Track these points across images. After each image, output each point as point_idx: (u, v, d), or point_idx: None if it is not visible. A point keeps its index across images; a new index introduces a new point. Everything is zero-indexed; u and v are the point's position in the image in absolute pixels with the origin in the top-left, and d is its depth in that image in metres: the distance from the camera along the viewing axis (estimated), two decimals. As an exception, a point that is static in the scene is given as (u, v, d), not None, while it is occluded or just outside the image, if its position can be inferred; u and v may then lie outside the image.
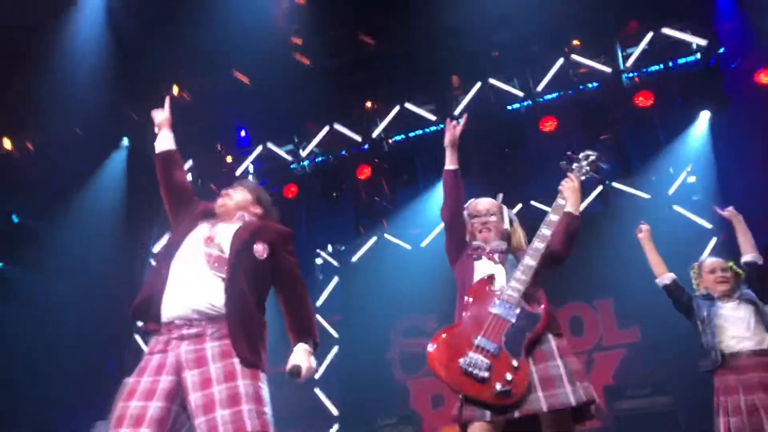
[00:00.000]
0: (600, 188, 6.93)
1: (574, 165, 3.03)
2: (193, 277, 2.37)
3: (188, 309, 2.32)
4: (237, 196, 2.68)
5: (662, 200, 6.65)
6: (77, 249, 7.62)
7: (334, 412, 7.38)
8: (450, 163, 3.09)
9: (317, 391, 7.54)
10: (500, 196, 3.12)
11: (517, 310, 2.67)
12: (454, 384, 2.61)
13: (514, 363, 2.56)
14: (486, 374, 2.55)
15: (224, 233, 2.50)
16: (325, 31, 7.32)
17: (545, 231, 2.81)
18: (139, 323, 2.67)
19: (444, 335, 2.71)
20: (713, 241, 6.16)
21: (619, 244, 5.96)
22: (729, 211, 3.91)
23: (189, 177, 8.10)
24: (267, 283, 2.50)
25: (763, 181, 5.86)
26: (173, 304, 2.34)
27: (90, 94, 7.39)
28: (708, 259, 3.89)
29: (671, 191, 6.72)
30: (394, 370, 7.38)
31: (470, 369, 2.58)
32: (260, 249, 2.47)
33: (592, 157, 3.05)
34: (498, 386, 2.52)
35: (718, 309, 3.65)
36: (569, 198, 2.91)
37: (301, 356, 2.41)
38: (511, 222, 3.03)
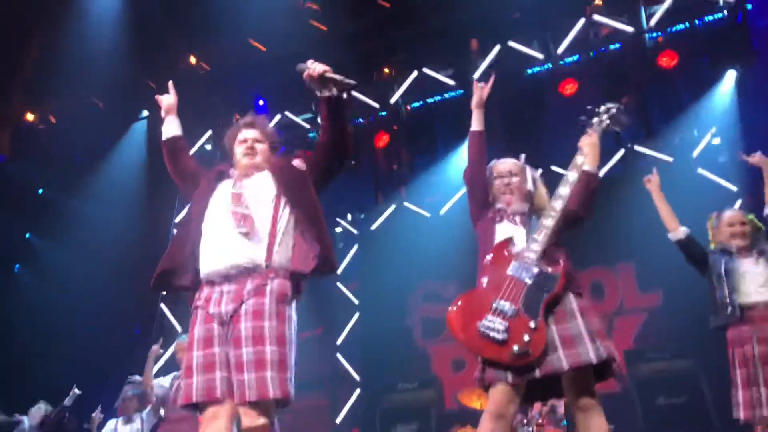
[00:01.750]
0: (622, 151, 6.82)
1: (594, 120, 2.95)
2: (225, 235, 2.42)
3: (223, 267, 2.39)
4: (261, 150, 2.67)
5: (686, 163, 6.53)
6: (101, 220, 7.76)
7: (356, 377, 7.50)
8: (476, 125, 3.08)
9: (339, 356, 7.65)
10: (523, 156, 3.08)
11: (535, 271, 2.65)
12: (472, 346, 2.63)
13: (532, 324, 2.56)
14: (503, 336, 2.56)
15: (250, 190, 2.53)
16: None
17: (563, 190, 2.76)
18: (170, 292, 2.74)
19: (463, 299, 2.72)
20: (738, 203, 6.07)
21: (641, 208, 5.86)
22: (757, 156, 3.79)
23: (209, 147, 8.26)
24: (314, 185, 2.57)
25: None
26: (210, 262, 2.42)
27: (110, 66, 7.43)
28: (728, 211, 3.82)
29: (695, 153, 6.59)
30: (414, 335, 7.46)
31: (488, 331, 2.59)
32: (298, 162, 2.59)
33: (612, 110, 2.95)
34: (515, 348, 2.53)
35: (736, 264, 3.60)
36: (588, 155, 2.84)
37: None
38: (534, 182, 2.97)
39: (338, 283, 7.95)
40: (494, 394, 2.62)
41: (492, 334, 2.58)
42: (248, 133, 2.69)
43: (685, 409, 5.16)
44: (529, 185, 2.95)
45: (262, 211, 2.46)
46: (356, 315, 7.80)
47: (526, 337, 2.54)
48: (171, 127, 2.86)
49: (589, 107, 3.00)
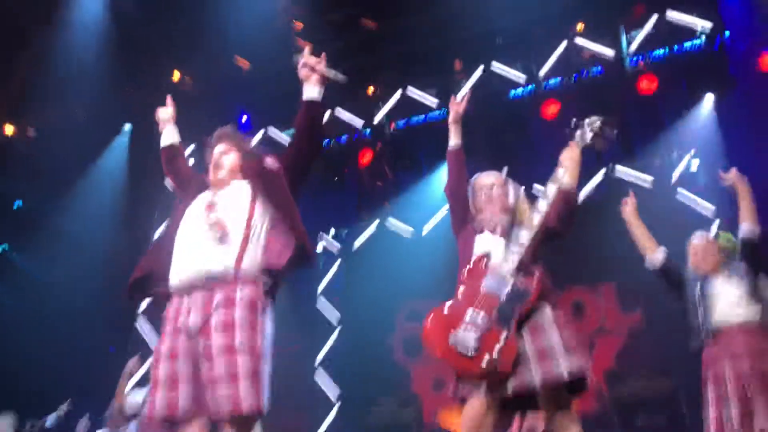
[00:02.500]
0: (602, 173, 6.91)
1: (577, 132, 2.95)
2: (196, 243, 2.39)
3: (194, 273, 2.35)
4: (228, 162, 2.64)
5: (665, 185, 6.63)
6: (80, 234, 7.65)
7: (335, 394, 7.43)
8: (453, 141, 3.13)
9: (318, 373, 7.58)
10: (505, 169, 3.11)
11: (509, 285, 2.67)
12: (446, 359, 2.64)
13: (502, 337, 2.57)
14: (474, 348, 2.57)
15: (224, 198, 2.51)
16: (327, 14, 7.28)
17: (542, 205, 2.77)
18: (144, 299, 2.71)
19: (437, 312, 2.74)
20: (716, 223, 6.15)
21: (622, 228, 5.95)
22: (733, 173, 3.81)
23: (191, 161, 8.22)
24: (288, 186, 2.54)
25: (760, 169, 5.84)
26: (179, 271, 2.39)
27: (92, 80, 7.37)
28: (693, 237, 3.86)
29: (675, 176, 6.70)
30: (395, 354, 7.42)
31: (459, 344, 2.60)
32: (270, 161, 2.56)
33: (597, 123, 2.94)
34: (486, 360, 2.54)
35: (709, 286, 3.65)
36: (567, 169, 2.84)
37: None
38: (516, 196, 3.00)
39: (319, 301, 7.90)
40: (470, 408, 2.62)
41: (463, 346, 2.60)
42: (216, 149, 2.69)
43: (664, 430, 5.18)
44: (511, 199, 2.97)
45: (236, 217, 2.43)
46: (336, 332, 7.75)
47: (496, 351, 2.55)
48: (168, 136, 2.98)
49: (573, 120, 3.00)
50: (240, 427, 2.21)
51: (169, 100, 3.09)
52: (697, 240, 3.83)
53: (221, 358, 2.21)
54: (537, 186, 5.65)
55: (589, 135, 2.94)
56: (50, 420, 5.49)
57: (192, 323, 2.29)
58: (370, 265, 7.68)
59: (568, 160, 2.87)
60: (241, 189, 2.53)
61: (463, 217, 3.01)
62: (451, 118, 3.19)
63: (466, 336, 2.59)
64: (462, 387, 2.67)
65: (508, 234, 2.83)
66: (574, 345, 2.62)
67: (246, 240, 2.38)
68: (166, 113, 3.04)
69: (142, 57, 7.59)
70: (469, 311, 2.65)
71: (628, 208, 3.97)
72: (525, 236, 2.72)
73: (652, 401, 5.31)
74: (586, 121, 2.98)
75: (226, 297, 2.29)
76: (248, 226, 2.40)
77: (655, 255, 3.84)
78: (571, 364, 2.55)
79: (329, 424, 7.27)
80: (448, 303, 2.77)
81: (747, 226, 3.69)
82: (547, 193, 2.79)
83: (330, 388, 7.50)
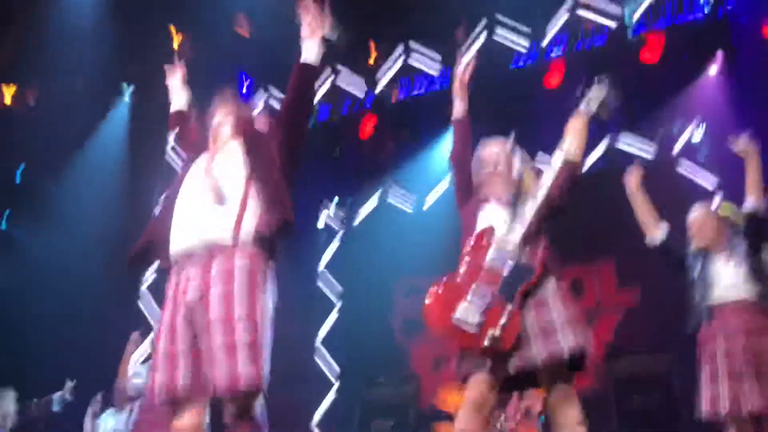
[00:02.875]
0: (603, 146, 6.85)
1: (583, 101, 2.88)
2: (193, 209, 2.34)
3: (192, 241, 2.30)
4: (225, 132, 2.55)
5: (667, 157, 6.57)
6: (81, 206, 7.62)
7: (335, 372, 7.46)
8: (458, 112, 3.08)
9: (318, 352, 7.60)
10: (512, 135, 3.03)
11: (512, 261, 2.64)
12: (447, 335, 2.64)
13: (505, 314, 2.55)
14: (478, 324, 2.55)
15: (221, 162, 2.44)
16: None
17: (546, 177, 2.73)
18: (146, 271, 2.68)
19: (439, 288, 2.72)
20: (719, 197, 6.11)
21: (621, 202, 5.92)
22: (743, 141, 3.67)
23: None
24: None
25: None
26: (177, 240, 2.34)
27: (91, 48, 7.29)
28: (692, 212, 3.76)
29: (677, 148, 6.64)
30: (395, 332, 7.43)
31: (462, 320, 2.58)
32: (261, 125, 2.55)
33: (602, 93, 2.86)
34: (489, 335, 2.52)
35: (709, 263, 3.59)
36: (573, 140, 2.78)
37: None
38: (522, 166, 2.95)
39: (319, 277, 7.90)
40: (473, 385, 2.62)
41: (466, 322, 2.57)
42: (215, 120, 2.62)
43: (659, 408, 5.20)
44: (516, 170, 2.92)
45: (233, 181, 2.35)
46: (336, 310, 7.75)
47: (500, 326, 2.53)
48: (176, 101, 2.99)
49: (580, 87, 2.94)
50: (240, 403, 2.16)
51: (176, 61, 3.04)
52: (697, 212, 3.75)
53: (219, 330, 2.16)
54: (540, 156, 5.65)
55: (593, 105, 2.86)
56: (56, 402, 5.39)
57: (191, 296, 2.25)
58: (371, 241, 7.64)
59: (574, 129, 2.81)
60: (236, 152, 2.45)
61: (468, 187, 2.97)
62: (456, 86, 3.14)
63: (469, 311, 2.58)
64: (463, 364, 2.65)
65: (512, 206, 2.79)
66: (577, 320, 2.61)
67: (244, 204, 2.30)
68: (173, 76, 3.00)
69: (141, 22, 7.48)
70: (473, 286, 2.63)
71: (633, 179, 3.86)
72: (529, 209, 2.69)
73: (647, 379, 5.30)
74: (592, 88, 2.90)
75: (226, 268, 2.23)
76: (246, 191, 2.33)
77: (656, 232, 3.79)
78: (572, 340, 2.54)
79: (329, 403, 7.32)
80: (450, 277, 2.75)
81: (753, 201, 3.57)
82: (553, 164, 2.74)
83: (329, 366, 7.53)
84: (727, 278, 3.52)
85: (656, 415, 5.09)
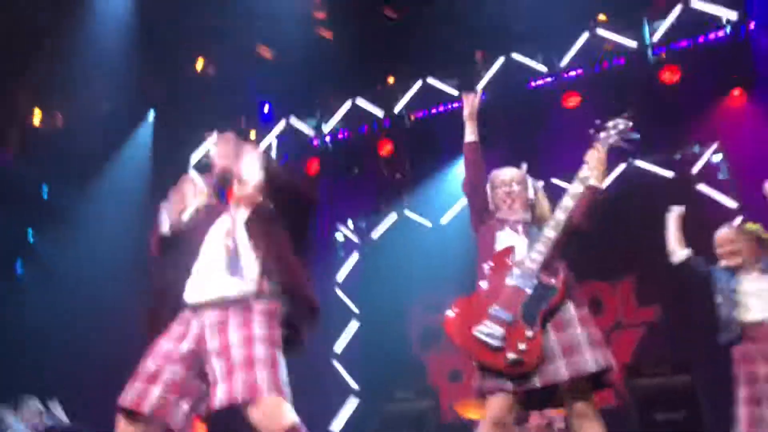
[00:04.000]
0: (623, 166, 6.85)
1: (601, 134, 2.93)
2: (215, 269, 2.41)
3: (210, 298, 2.38)
4: (251, 179, 2.55)
5: (686, 179, 6.56)
6: (105, 222, 7.77)
7: (353, 386, 7.48)
8: (470, 136, 3.13)
9: (335, 364, 7.64)
10: (524, 165, 3.09)
11: (535, 281, 2.68)
12: (468, 351, 2.66)
13: (528, 333, 2.58)
14: (500, 343, 2.59)
15: (241, 225, 2.51)
16: (349, 4, 7.30)
17: (567, 202, 2.77)
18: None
19: (461, 303, 2.76)
20: (738, 220, 6.09)
21: (641, 222, 5.92)
22: None
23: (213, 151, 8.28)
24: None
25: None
26: (195, 291, 2.41)
27: (117, 69, 7.48)
28: (719, 232, 3.80)
29: (695, 170, 6.63)
30: (412, 345, 7.45)
31: (484, 337, 2.62)
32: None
33: (621, 126, 2.93)
34: (510, 355, 2.56)
35: (739, 281, 3.59)
36: (594, 170, 2.83)
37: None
38: (535, 192, 3.00)
39: (337, 291, 7.96)
40: (493, 403, 2.64)
41: (488, 339, 2.61)
42: (239, 164, 2.58)
43: (683, 425, 5.15)
44: (531, 195, 2.97)
45: (252, 244, 2.43)
46: (354, 323, 7.80)
47: (522, 346, 2.57)
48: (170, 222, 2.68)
49: (597, 121, 2.99)
50: (263, 414, 2.19)
51: (194, 178, 2.79)
52: (723, 231, 3.78)
53: (239, 348, 2.24)
54: (554, 181, 5.67)
55: (613, 137, 2.92)
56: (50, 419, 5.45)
57: (208, 325, 2.32)
58: (389, 255, 7.70)
59: (594, 161, 2.86)
60: (260, 214, 2.52)
61: (483, 212, 3.01)
62: (466, 113, 3.19)
63: (492, 330, 2.61)
64: (486, 381, 2.67)
65: (528, 230, 2.84)
66: (598, 339, 2.64)
67: (262, 269, 2.39)
68: (187, 194, 2.70)
69: (165, 47, 7.67)
70: (494, 305, 2.66)
71: (675, 215, 3.90)
72: (550, 232, 2.73)
73: (670, 396, 5.26)
74: (610, 123, 2.95)
75: (245, 308, 2.34)
76: (266, 254, 2.41)
77: (677, 256, 3.81)
78: (597, 358, 2.57)
79: (347, 416, 7.33)
80: (472, 295, 2.79)
81: None
82: (573, 190, 2.79)
83: (347, 380, 7.56)
84: (760, 297, 3.51)
85: (681, 430, 5.05)
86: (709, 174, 6.58)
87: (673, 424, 5.14)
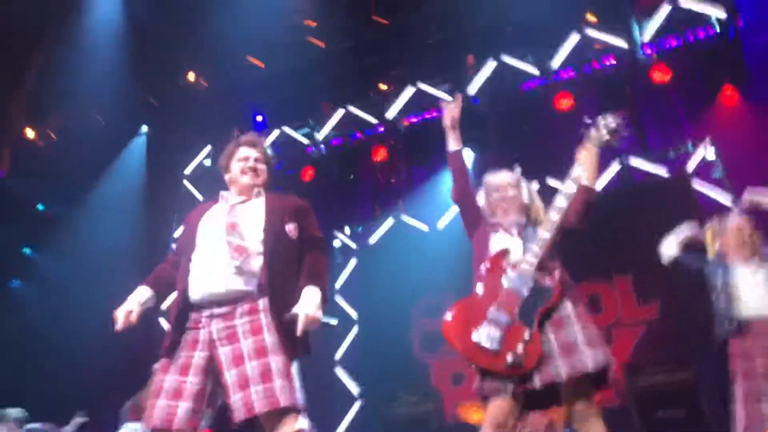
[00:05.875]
0: (618, 165, 6.88)
1: (592, 133, 2.92)
2: (217, 266, 2.39)
3: (215, 292, 2.37)
4: (261, 168, 2.64)
5: (681, 176, 6.58)
6: (100, 235, 7.76)
7: (355, 391, 7.48)
8: (452, 145, 3.08)
9: (338, 370, 7.64)
10: (518, 168, 3.08)
11: (531, 283, 2.69)
12: (467, 355, 2.66)
13: (526, 335, 2.59)
14: (498, 345, 2.60)
15: (245, 217, 2.51)
16: (339, 12, 7.32)
17: (561, 202, 2.77)
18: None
19: (458, 307, 2.76)
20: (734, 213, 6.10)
21: (638, 220, 5.94)
22: (750, 196, 3.64)
23: (208, 163, 8.29)
24: (299, 254, 2.53)
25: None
26: (200, 289, 2.39)
27: (110, 82, 7.48)
28: (734, 217, 3.73)
29: (690, 167, 6.65)
30: (414, 349, 7.45)
31: (483, 340, 2.62)
32: (291, 229, 2.52)
33: (611, 124, 2.90)
34: (509, 358, 2.57)
35: (735, 274, 3.55)
36: (586, 169, 2.84)
37: (304, 303, 2.37)
38: (530, 194, 3.00)
39: (337, 296, 7.95)
40: (494, 406, 2.64)
41: (486, 343, 2.62)
42: (250, 152, 2.66)
43: (684, 422, 5.15)
44: (525, 198, 2.98)
45: (255, 239, 2.44)
46: (355, 329, 7.79)
47: (520, 348, 2.58)
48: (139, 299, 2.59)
49: (588, 120, 2.97)
50: (279, 422, 2.23)
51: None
52: (741, 222, 3.71)
53: (255, 359, 2.25)
54: (549, 181, 5.69)
55: (604, 135, 2.90)
56: (70, 428, 5.44)
57: (216, 335, 2.33)
58: (386, 260, 7.70)
59: (585, 160, 2.86)
60: (261, 210, 2.52)
61: (475, 218, 3.01)
62: (447, 123, 3.08)
63: (490, 333, 2.62)
64: (486, 384, 2.68)
65: (523, 233, 2.85)
66: (596, 338, 2.64)
67: (266, 267, 2.40)
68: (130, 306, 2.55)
69: (157, 59, 7.68)
70: (492, 308, 2.67)
71: (688, 233, 3.78)
72: (544, 234, 2.73)
73: (671, 394, 5.25)
74: (600, 120, 2.94)
75: (251, 307, 2.35)
76: (268, 246, 2.42)
77: (666, 256, 3.77)
78: (596, 356, 2.57)
79: (350, 421, 7.32)
80: (469, 298, 2.79)
81: None
82: (565, 190, 2.79)
83: (349, 385, 7.55)
84: (756, 291, 3.47)
85: (682, 429, 5.04)
86: (703, 171, 6.60)
87: (674, 421, 5.13)
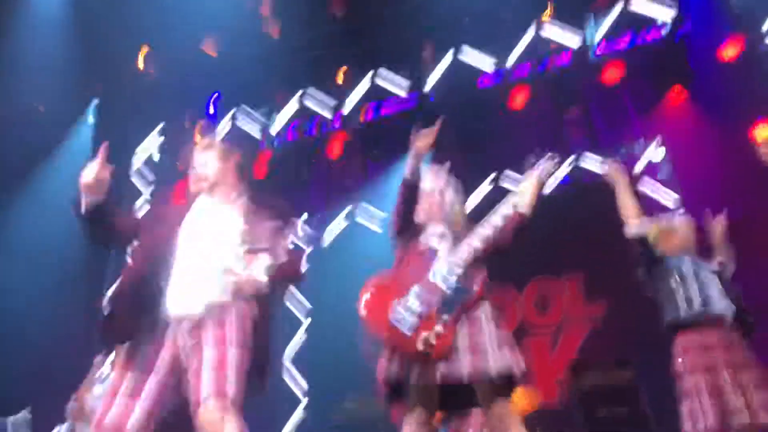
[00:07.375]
0: (568, 164, 6.98)
1: (543, 166, 3.02)
2: (195, 276, 2.37)
3: (190, 303, 2.34)
4: (210, 170, 2.57)
5: (629, 176, 6.70)
6: (43, 227, 7.45)
7: (302, 391, 7.38)
8: (409, 173, 2.88)
9: (286, 369, 7.52)
10: (447, 164, 3.12)
11: (454, 282, 2.74)
12: (382, 332, 2.76)
13: (439, 327, 2.65)
14: (412, 329, 2.67)
15: (213, 220, 2.49)
16: (296, 2, 7.20)
17: (497, 220, 2.84)
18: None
19: (377, 288, 2.85)
20: (677, 215, 6.25)
21: (588, 219, 6.03)
22: (716, 223, 3.76)
23: (157, 156, 8.04)
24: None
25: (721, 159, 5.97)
26: (178, 300, 2.35)
27: (53, 69, 7.18)
28: (680, 218, 3.86)
29: (638, 167, 6.79)
30: (362, 350, 7.37)
31: (398, 322, 2.70)
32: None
33: (553, 168, 3.06)
34: (420, 345, 2.64)
35: (690, 269, 3.58)
36: (526, 197, 2.93)
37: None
38: (452, 201, 3.04)
39: (287, 295, 7.83)
40: (408, 424, 2.74)
41: (401, 325, 2.68)
42: (199, 158, 2.61)
43: (626, 420, 5.22)
44: (448, 206, 3.00)
45: (230, 247, 2.42)
46: (304, 328, 7.68)
47: (433, 335, 2.63)
48: (93, 203, 2.51)
49: (545, 150, 3.08)
50: (214, 412, 2.18)
51: (101, 157, 2.52)
52: (677, 221, 3.81)
53: (213, 348, 2.25)
54: (507, 172, 5.71)
55: (546, 174, 3.02)
56: (10, 427, 5.28)
57: (185, 341, 2.30)
58: (339, 258, 7.61)
59: (527, 190, 2.95)
60: (232, 219, 2.50)
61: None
62: (414, 152, 2.88)
63: (407, 314, 2.69)
64: (391, 368, 2.79)
65: (445, 238, 2.89)
66: (508, 343, 2.69)
67: (237, 274, 2.38)
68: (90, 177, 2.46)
69: (106, 41, 7.40)
70: (414, 290, 2.73)
71: (615, 170, 3.81)
72: (475, 243, 2.79)
73: (613, 392, 5.32)
74: (546, 161, 3.04)
75: (220, 314, 2.33)
76: (244, 256, 2.40)
77: (639, 227, 3.67)
78: (500, 361, 2.61)
79: (296, 421, 7.22)
80: (390, 275, 2.88)
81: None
82: (503, 211, 2.86)
83: (297, 385, 7.44)
84: (711, 289, 3.51)
85: (624, 428, 5.12)
86: (651, 171, 6.76)
87: (616, 419, 5.19)
